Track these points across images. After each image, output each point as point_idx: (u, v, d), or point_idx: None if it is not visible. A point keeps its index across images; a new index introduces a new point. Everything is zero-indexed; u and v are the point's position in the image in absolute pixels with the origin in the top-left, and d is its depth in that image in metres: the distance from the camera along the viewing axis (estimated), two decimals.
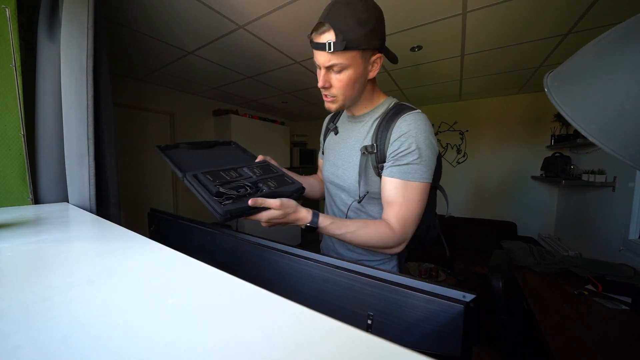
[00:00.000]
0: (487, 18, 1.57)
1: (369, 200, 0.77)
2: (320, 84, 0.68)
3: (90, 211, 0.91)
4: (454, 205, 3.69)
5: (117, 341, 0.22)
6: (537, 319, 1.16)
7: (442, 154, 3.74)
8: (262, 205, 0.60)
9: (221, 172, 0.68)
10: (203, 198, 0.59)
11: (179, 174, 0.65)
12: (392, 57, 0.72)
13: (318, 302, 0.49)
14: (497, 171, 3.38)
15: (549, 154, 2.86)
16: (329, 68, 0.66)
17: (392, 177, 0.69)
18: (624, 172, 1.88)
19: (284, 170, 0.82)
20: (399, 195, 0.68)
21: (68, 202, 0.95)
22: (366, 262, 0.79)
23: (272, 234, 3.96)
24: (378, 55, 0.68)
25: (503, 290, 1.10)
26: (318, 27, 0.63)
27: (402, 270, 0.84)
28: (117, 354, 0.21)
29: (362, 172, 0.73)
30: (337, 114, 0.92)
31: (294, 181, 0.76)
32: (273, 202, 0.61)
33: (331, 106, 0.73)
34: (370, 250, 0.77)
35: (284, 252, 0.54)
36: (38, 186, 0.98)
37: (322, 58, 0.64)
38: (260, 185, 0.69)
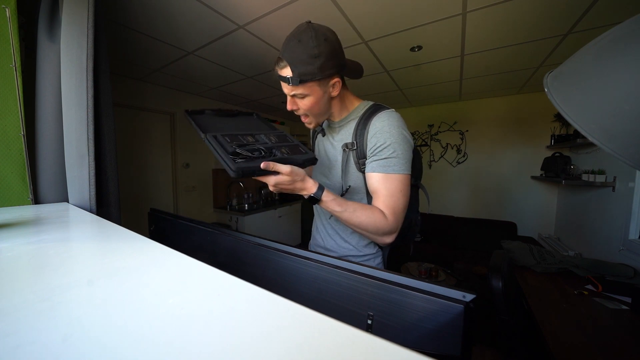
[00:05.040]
0: (487, 18, 1.57)
1: (351, 195, 0.82)
2: (288, 108, 0.77)
3: (90, 211, 0.91)
4: (455, 205, 3.69)
5: (117, 341, 0.22)
6: (537, 319, 1.16)
7: (442, 154, 3.74)
8: (273, 169, 0.63)
9: (239, 136, 0.72)
10: (219, 155, 0.63)
11: (201, 134, 0.69)
12: (355, 73, 0.82)
13: (318, 302, 0.49)
14: (497, 171, 3.38)
15: (549, 154, 2.86)
16: (293, 96, 0.75)
17: (373, 172, 0.75)
18: (624, 172, 1.88)
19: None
20: (382, 187, 0.73)
21: (68, 202, 0.95)
22: (351, 258, 0.82)
23: (272, 234, 3.96)
24: (336, 79, 0.74)
25: (503, 290, 1.10)
26: (278, 62, 0.71)
27: (387, 267, 0.88)
28: (117, 353, 0.21)
29: (344, 167, 0.80)
30: None
31: (307, 151, 0.77)
32: (284, 167, 0.64)
33: (309, 125, 0.83)
34: (363, 236, 0.82)
35: (284, 252, 0.54)
36: (38, 186, 0.98)
37: (285, 89, 0.74)
38: (274, 150, 0.71)
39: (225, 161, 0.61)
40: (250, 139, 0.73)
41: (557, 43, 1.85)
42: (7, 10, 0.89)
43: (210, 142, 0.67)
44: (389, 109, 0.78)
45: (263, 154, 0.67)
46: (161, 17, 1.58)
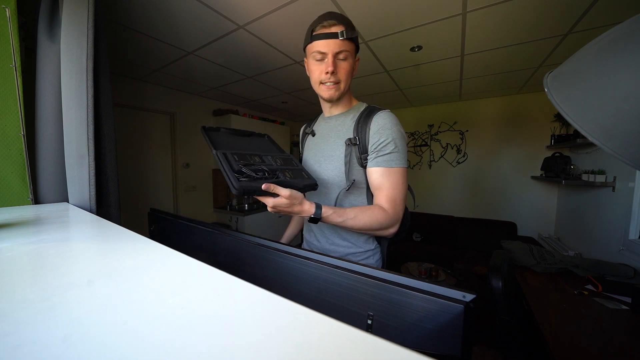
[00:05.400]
0: (487, 18, 1.57)
1: (353, 190, 0.85)
2: (329, 69, 0.77)
3: (90, 211, 0.91)
4: (455, 205, 3.69)
5: (117, 341, 0.22)
6: (537, 319, 1.16)
7: (442, 154, 3.75)
8: (273, 191, 0.66)
9: (247, 155, 0.76)
10: (225, 172, 0.67)
11: (213, 150, 0.74)
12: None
13: (318, 302, 0.49)
14: (497, 171, 3.38)
15: (549, 154, 2.86)
16: (336, 55, 0.77)
17: (377, 166, 0.79)
18: (624, 172, 1.88)
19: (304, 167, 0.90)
20: (386, 180, 0.78)
21: (68, 202, 0.95)
22: (351, 257, 0.84)
23: (272, 234, 3.97)
24: (358, 57, 0.84)
25: (503, 290, 1.10)
26: (326, 21, 0.75)
27: (386, 263, 0.90)
28: (117, 354, 0.21)
29: (348, 161, 0.82)
30: (312, 121, 1.04)
31: (309, 176, 0.81)
32: (283, 191, 0.66)
33: (334, 93, 0.82)
34: (368, 234, 0.84)
35: (284, 252, 0.54)
36: (38, 186, 0.98)
37: (332, 45, 0.76)
38: (278, 173, 0.75)
39: (230, 178, 0.65)
40: (257, 159, 0.77)
41: (557, 43, 1.85)
42: (7, 10, 0.89)
43: (219, 159, 0.71)
44: (385, 109, 0.84)
45: (266, 175, 0.71)
46: (161, 17, 1.58)
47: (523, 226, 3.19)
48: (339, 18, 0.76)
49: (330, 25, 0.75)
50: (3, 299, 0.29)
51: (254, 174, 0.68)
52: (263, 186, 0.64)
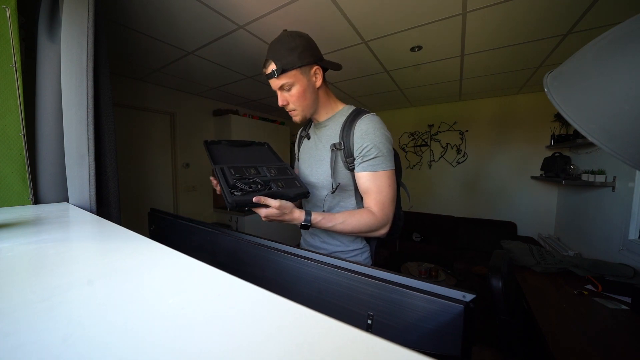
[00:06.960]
0: (487, 18, 1.57)
1: (341, 192, 0.88)
2: (280, 104, 0.85)
3: (90, 211, 0.91)
4: (455, 205, 3.69)
5: (117, 341, 0.22)
6: (537, 319, 1.16)
7: (442, 154, 3.75)
8: (264, 203, 0.72)
9: (243, 168, 0.82)
10: (221, 187, 0.74)
11: (212, 166, 0.80)
12: (334, 66, 0.87)
13: (318, 302, 0.49)
14: (497, 171, 3.38)
15: (549, 154, 2.86)
16: (281, 89, 0.83)
17: (363, 171, 0.82)
18: (624, 172, 1.88)
19: (297, 175, 0.94)
20: (372, 184, 0.81)
21: (68, 202, 0.95)
22: (340, 254, 0.89)
23: (272, 234, 3.96)
24: (316, 67, 0.83)
25: (503, 290, 1.10)
26: (264, 64, 0.81)
27: (375, 260, 0.94)
28: (117, 354, 0.21)
29: (333, 166, 0.85)
30: (309, 123, 1.04)
31: (301, 185, 0.86)
32: (273, 202, 0.73)
33: (296, 119, 0.88)
34: (359, 236, 0.89)
35: (284, 252, 0.54)
36: (38, 186, 0.98)
37: (273, 84, 0.82)
38: (271, 184, 0.80)
39: (224, 193, 0.71)
40: (252, 171, 0.83)
41: (557, 43, 1.85)
42: (7, 10, 0.89)
43: (216, 174, 0.77)
44: (370, 112, 0.86)
45: (259, 187, 0.77)
46: (161, 17, 1.58)
47: (523, 226, 3.19)
48: (272, 55, 0.79)
49: (267, 66, 0.80)
50: (3, 299, 0.29)
51: (247, 188, 0.74)
52: (254, 199, 0.70)
